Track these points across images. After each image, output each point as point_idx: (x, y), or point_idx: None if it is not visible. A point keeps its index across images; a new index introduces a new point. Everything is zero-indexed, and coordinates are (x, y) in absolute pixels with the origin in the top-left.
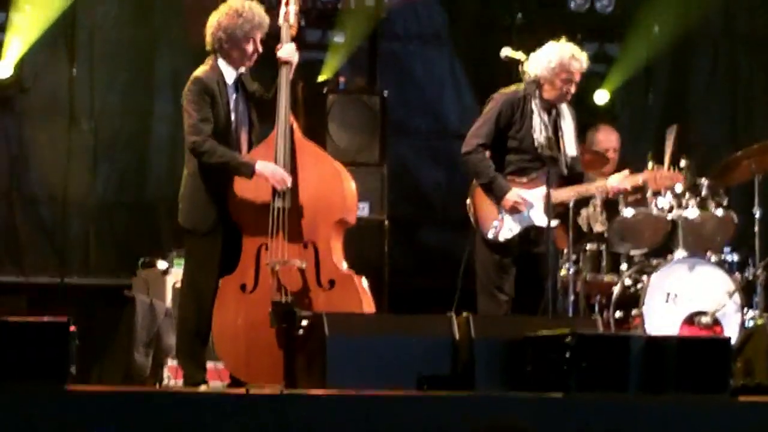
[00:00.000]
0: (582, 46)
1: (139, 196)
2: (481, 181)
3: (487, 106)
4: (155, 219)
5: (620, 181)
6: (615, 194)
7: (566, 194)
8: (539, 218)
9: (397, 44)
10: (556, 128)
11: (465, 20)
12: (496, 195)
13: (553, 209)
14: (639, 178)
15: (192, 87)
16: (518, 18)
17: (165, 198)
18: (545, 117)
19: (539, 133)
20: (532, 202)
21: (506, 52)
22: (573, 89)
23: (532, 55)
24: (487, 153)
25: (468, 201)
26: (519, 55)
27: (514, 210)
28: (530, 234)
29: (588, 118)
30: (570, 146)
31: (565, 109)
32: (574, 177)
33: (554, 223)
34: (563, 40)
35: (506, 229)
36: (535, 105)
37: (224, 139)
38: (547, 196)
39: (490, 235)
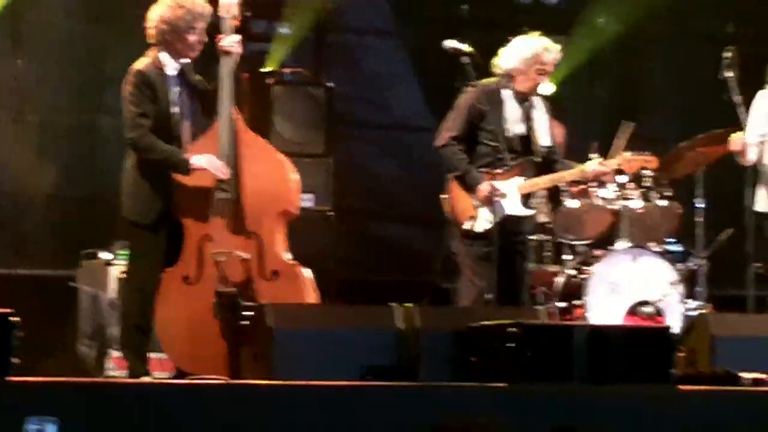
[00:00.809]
0: None
1: (86, 188)
2: (455, 173)
3: (459, 99)
4: (102, 211)
5: (596, 165)
6: (593, 178)
7: (541, 183)
8: (515, 208)
9: (343, 36)
10: (528, 119)
11: (412, 12)
12: (471, 186)
13: (527, 199)
14: (614, 162)
15: (132, 80)
16: (464, 10)
17: (112, 190)
18: (518, 109)
19: (512, 125)
20: (506, 192)
21: (450, 43)
22: (546, 81)
23: (502, 49)
24: (461, 146)
25: (444, 195)
26: (464, 46)
27: (488, 201)
28: (508, 225)
29: None
30: (543, 136)
31: (537, 100)
32: (549, 166)
33: (531, 212)
34: (535, 34)
35: (482, 220)
36: (507, 97)
37: (166, 133)
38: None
39: (466, 227)
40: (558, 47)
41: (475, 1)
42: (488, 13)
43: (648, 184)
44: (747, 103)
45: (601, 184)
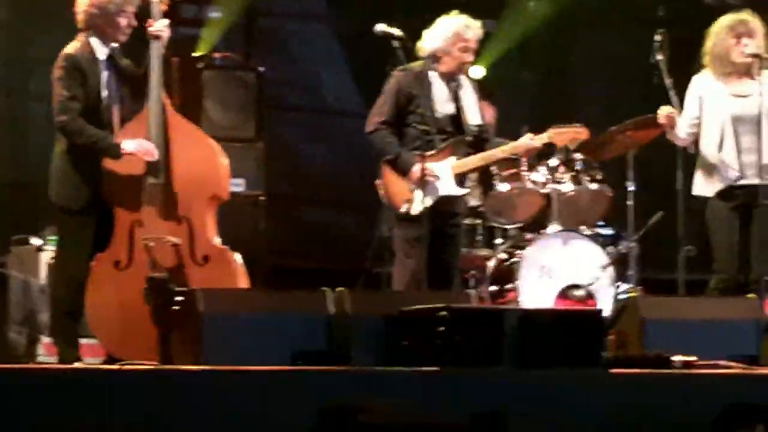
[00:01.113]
0: None
1: (15, 174)
2: (387, 157)
3: (387, 84)
4: (32, 197)
5: (527, 140)
6: (526, 154)
7: (474, 162)
8: (449, 188)
9: (274, 20)
10: (457, 99)
11: None
12: (403, 170)
13: (462, 178)
14: (545, 136)
15: (62, 64)
16: None
17: (42, 176)
18: (445, 89)
19: (441, 106)
20: (440, 173)
21: (381, 27)
22: (471, 58)
23: (425, 31)
24: (391, 130)
25: (378, 180)
26: (394, 30)
27: (422, 183)
28: (443, 206)
29: None
30: (473, 115)
31: (464, 79)
32: (480, 144)
33: (465, 191)
34: (454, 13)
35: (417, 202)
36: (434, 78)
37: (95, 117)
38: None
39: (402, 210)
40: (478, 23)
41: None
42: None
43: (579, 168)
44: (678, 87)
45: (532, 168)
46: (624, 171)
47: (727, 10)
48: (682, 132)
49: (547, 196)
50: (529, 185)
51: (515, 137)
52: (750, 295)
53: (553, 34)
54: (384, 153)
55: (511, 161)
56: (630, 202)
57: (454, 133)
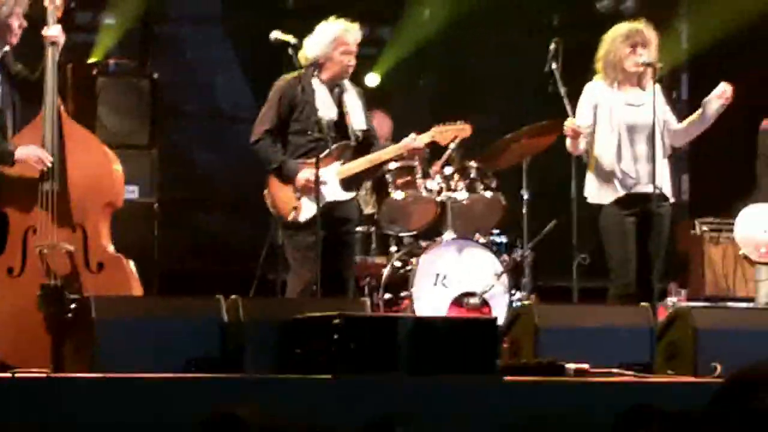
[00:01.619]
0: None
1: None
2: (272, 166)
3: (270, 93)
4: None
5: (411, 140)
6: (410, 152)
7: (358, 165)
8: (336, 194)
9: (170, 26)
10: (341, 104)
11: (239, 3)
12: (289, 177)
13: (349, 183)
14: (428, 135)
15: None
16: (290, 2)
17: None
18: (328, 95)
19: (324, 112)
20: (326, 179)
21: (276, 34)
22: (353, 62)
23: (305, 39)
24: (275, 139)
25: (265, 191)
26: (289, 37)
27: (309, 189)
28: (334, 213)
29: None
30: (358, 120)
31: (348, 84)
32: (366, 149)
33: (351, 195)
34: (332, 18)
35: (305, 209)
36: (316, 85)
37: None
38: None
39: (291, 218)
40: (356, 26)
41: None
42: (315, 3)
43: (473, 176)
44: (573, 95)
45: (427, 176)
46: (519, 179)
47: (621, 19)
48: (582, 143)
49: (442, 204)
50: (424, 193)
51: None
52: (643, 303)
53: (449, 41)
54: (269, 162)
55: (406, 169)
56: (524, 210)
57: (339, 139)
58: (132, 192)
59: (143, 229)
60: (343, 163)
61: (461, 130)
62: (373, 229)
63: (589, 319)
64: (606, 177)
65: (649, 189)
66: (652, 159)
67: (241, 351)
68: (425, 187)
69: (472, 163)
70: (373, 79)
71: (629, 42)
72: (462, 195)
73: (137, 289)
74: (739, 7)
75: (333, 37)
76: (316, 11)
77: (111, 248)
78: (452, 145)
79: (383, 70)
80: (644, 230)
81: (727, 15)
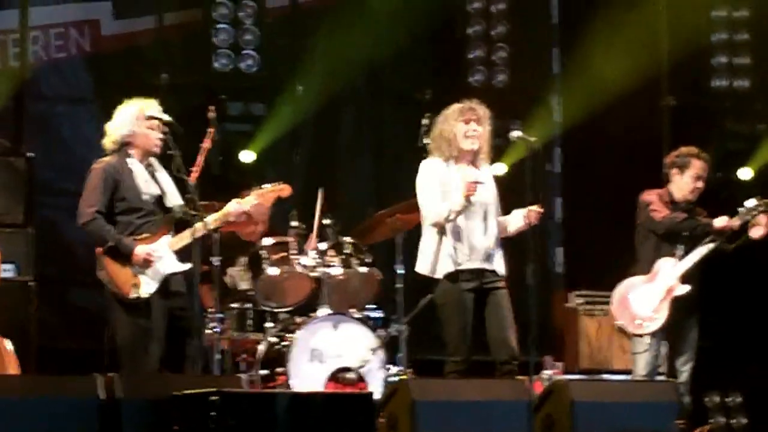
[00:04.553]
0: (227, 107)
1: None
2: (107, 245)
3: (89, 177)
4: None
5: (235, 205)
6: (237, 216)
7: (188, 236)
8: (173, 266)
9: (43, 104)
10: (156, 181)
11: (111, 80)
12: (125, 255)
13: (181, 254)
14: (251, 198)
15: None
16: (163, 78)
17: None
18: (145, 172)
19: (145, 188)
20: (161, 253)
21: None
22: (160, 135)
23: (109, 125)
24: (105, 219)
25: (99, 272)
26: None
27: (146, 264)
28: (171, 285)
29: (236, 177)
30: (172, 195)
31: (154, 161)
32: (191, 221)
33: (188, 266)
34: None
35: (145, 284)
36: (132, 165)
37: None
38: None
39: (133, 296)
40: (154, 102)
41: (174, 69)
42: (187, 80)
43: (348, 251)
44: None
45: (302, 252)
46: (393, 254)
47: (493, 92)
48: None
49: (317, 280)
50: (299, 269)
51: (286, 220)
52: (519, 377)
53: (320, 118)
54: (104, 240)
55: (281, 245)
56: (399, 285)
57: (163, 212)
58: (8, 271)
59: (20, 307)
60: (173, 236)
61: (281, 190)
62: (248, 305)
63: (466, 393)
64: (440, 251)
65: (485, 265)
66: (487, 235)
67: (119, 429)
68: (300, 263)
69: (347, 239)
70: (248, 156)
71: (464, 118)
72: (337, 270)
73: (14, 368)
74: (610, 81)
75: (135, 114)
76: (189, 88)
77: None
78: (326, 221)
79: (258, 147)
80: (482, 305)
81: (596, 89)
